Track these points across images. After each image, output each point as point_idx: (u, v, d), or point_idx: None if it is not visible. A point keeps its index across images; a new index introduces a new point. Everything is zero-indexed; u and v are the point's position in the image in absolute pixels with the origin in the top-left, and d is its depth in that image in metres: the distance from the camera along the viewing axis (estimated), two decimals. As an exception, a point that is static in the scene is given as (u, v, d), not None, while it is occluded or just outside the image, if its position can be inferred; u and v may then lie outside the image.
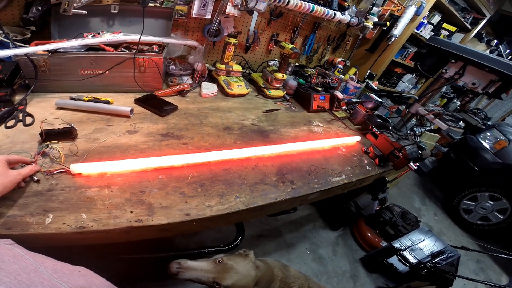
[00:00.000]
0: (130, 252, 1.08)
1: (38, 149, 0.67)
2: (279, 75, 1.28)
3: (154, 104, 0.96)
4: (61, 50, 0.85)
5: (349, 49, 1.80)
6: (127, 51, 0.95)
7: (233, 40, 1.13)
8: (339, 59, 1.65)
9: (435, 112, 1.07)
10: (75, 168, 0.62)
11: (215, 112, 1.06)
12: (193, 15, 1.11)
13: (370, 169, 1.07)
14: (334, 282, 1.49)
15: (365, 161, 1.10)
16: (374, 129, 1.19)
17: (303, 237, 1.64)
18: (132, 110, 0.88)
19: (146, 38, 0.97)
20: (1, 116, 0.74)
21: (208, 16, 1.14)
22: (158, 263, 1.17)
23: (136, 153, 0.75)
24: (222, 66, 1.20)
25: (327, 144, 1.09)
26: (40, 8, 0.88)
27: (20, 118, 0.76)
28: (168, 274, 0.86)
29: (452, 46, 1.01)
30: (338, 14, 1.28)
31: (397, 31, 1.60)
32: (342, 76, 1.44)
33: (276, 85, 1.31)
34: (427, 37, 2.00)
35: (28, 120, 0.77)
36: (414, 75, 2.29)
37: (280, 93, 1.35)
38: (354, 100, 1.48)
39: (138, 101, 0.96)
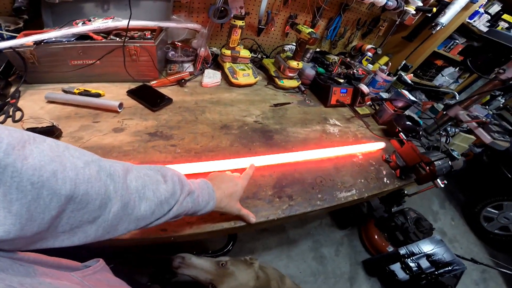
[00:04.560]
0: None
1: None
2: (294, 63, 1.11)
3: (146, 97, 0.88)
4: (47, 40, 0.79)
5: (382, 35, 1.51)
6: (118, 38, 0.86)
7: (239, 23, 0.98)
8: (369, 46, 1.39)
9: (480, 120, 0.85)
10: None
11: (215, 106, 0.96)
12: (195, -7, 0.97)
13: (388, 182, 0.91)
14: (331, 283, 1.43)
15: (384, 172, 0.94)
16: (401, 134, 1.00)
17: (307, 234, 1.58)
18: (121, 105, 0.82)
19: (138, 23, 0.87)
20: (-12, 111, 0.72)
21: (213, -6, 0.99)
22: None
23: (119, 155, 0.69)
24: (228, 52, 1.07)
25: (342, 152, 0.94)
26: (26, -5, 0.81)
27: (10, 113, 0.74)
28: (170, 267, 0.86)
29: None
30: (372, -5, 1.04)
31: (444, 19, 1.29)
32: (370, 66, 1.22)
33: (290, 74, 1.15)
34: (481, 28, 1.63)
35: (18, 115, 0.74)
36: (457, 69, 1.92)
37: (294, 83, 1.18)
38: (382, 94, 1.26)
39: (130, 93, 0.89)
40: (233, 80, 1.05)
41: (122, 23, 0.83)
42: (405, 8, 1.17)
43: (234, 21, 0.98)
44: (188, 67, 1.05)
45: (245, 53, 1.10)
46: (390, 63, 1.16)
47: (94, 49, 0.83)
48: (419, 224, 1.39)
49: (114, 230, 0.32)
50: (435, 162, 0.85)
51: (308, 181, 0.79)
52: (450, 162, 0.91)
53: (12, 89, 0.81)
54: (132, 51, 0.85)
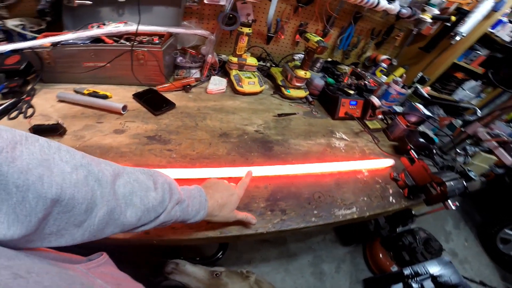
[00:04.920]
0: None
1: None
2: (301, 73, 1.08)
3: (150, 101, 0.90)
4: (64, 42, 0.84)
5: (398, 45, 1.44)
6: (128, 43, 0.89)
7: (246, 30, 0.98)
8: (384, 57, 1.33)
9: (501, 139, 0.77)
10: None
11: (216, 113, 0.95)
12: (205, 1, 0.99)
13: (393, 201, 0.85)
14: (327, 300, 1.36)
15: (390, 191, 0.88)
16: (412, 152, 0.93)
17: (309, 249, 1.52)
18: (124, 107, 0.84)
19: (147, 28, 0.90)
20: (6, 108, 0.76)
21: (223, 3, 1.00)
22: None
23: (115, 156, 0.71)
24: (234, 59, 1.07)
25: (345, 167, 0.89)
26: (48, -1, 0.87)
27: (23, 110, 0.78)
28: (163, 272, 0.86)
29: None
30: (384, 2, 0.99)
31: (464, 28, 1.21)
32: (384, 78, 1.16)
33: (297, 84, 1.12)
34: (505, 38, 1.52)
35: (29, 112, 0.78)
36: (479, 82, 1.79)
37: (301, 93, 1.16)
38: (395, 108, 1.20)
39: (135, 96, 0.91)
40: (238, 88, 1.05)
41: (132, 27, 0.86)
42: (420, 16, 1.11)
43: (241, 28, 0.98)
44: (195, 73, 1.06)
45: (252, 61, 1.09)
46: (405, 75, 1.09)
47: (105, 52, 0.86)
48: (428, 245, 1.31)
49: (101, 233, 0.33)
50: (446, 183, 0.78)
51: (305, 195, 0.76)
52: (465, 183, 0.83)
53: (29, 87, 0.87)
54: (140, 56, 0.88)
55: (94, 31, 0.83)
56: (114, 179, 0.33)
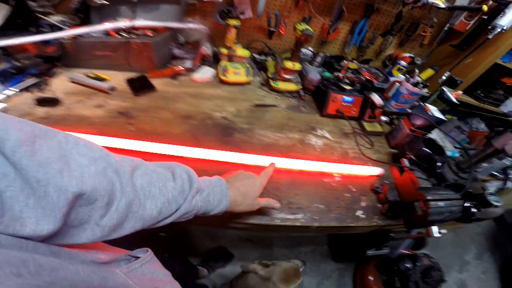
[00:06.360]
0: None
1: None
2: (289, 64, 1.01)
3: (136, 84, 1.00)
4: (83, 34, 1.03)
5: (426, 43, 1.19)
6: (128, 35, 1.02)
7: (232, 22, 0.98)
8: (406, 55, 1.10)
9: None
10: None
11: (191, 98, 0.98)
12: (204, -1, 1.05)
13: (362, 216, 0.68)
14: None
15: (363, 204, 0.71)
16: (404, 160, 0.74)
17: (294, 258, 1.35)
18: (113, 89, 0.96)
19: (144, 23, 1.01)
20: (30, 85, 0.98)
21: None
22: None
23: (85, 124, 0.81)
24: (225, 51, 1.09)
25: (311, 167, 0.77)
26: (79, -1, 1.09)
27: (41, 86, 0.99)
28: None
29: None
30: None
31: (505, 20, 0.89)
32: (402, 77, 0.95)
33: (285, 76, 1.05)
34: None
35: (44, 88, 0.98)
36: None
37: (291, 86, 1.07)
38: (409, 110, 0.97)
39: (128, 81, 1.03)
40: (221, 77, 1.06)
41: (129, 23, 0.99)
42: (429, 1, 0.87)
43: (228, 21, 0.99)
44: (188, 64, 1.13)
45: (242, 52, 1.08)
46: (417, 71, 0.87)
47: (109, 44, 1.01)
48: (427, 274, 1.05)
49: (120, 228, 0.32)
50: (430, 202, 0.58)
51: (243, 187, 0.69)
52: (473, 208, 0.61)
53: (58, 70, 1.09)
54: (134, 46, 1.00)
55: (100, 26, 0.99)
56: (132, 170, 0.33)
